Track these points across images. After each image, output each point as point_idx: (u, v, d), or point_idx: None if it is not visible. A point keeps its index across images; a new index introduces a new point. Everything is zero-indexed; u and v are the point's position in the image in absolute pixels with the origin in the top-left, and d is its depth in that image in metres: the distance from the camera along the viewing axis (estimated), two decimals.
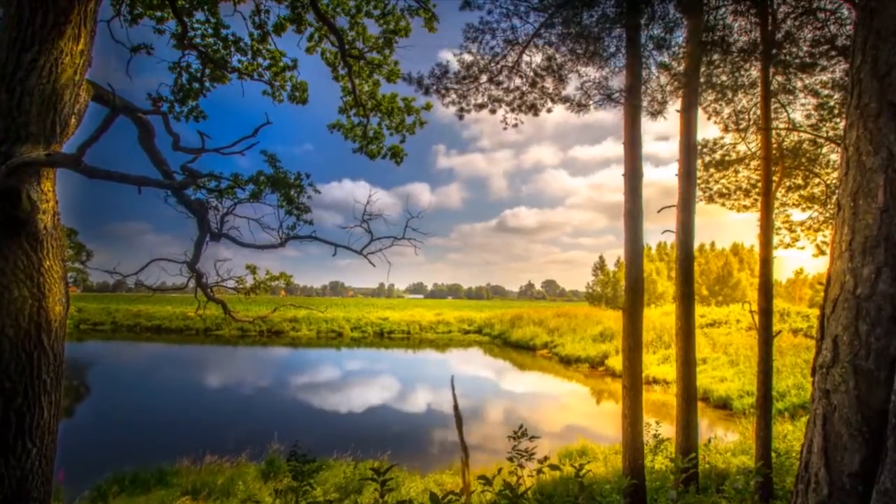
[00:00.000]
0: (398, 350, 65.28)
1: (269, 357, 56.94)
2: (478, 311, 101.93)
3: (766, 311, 15.03)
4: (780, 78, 16.89)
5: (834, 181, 18.18)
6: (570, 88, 16.02)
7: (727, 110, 18.86)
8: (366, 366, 52.63)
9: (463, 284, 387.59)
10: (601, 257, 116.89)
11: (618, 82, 14.84)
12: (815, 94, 17.23)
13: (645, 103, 15.91)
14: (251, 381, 41.99)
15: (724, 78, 17.26)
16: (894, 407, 2.97)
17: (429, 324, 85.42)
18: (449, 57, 15.55)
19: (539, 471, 8.45)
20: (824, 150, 19.06)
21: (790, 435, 22.01)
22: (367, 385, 41.51)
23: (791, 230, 21.33)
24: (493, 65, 15.50)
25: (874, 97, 3.29)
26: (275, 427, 24.87)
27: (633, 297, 13.62)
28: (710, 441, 21.12)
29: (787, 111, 18.07)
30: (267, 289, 14.93)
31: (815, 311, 51.62)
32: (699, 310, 59.09)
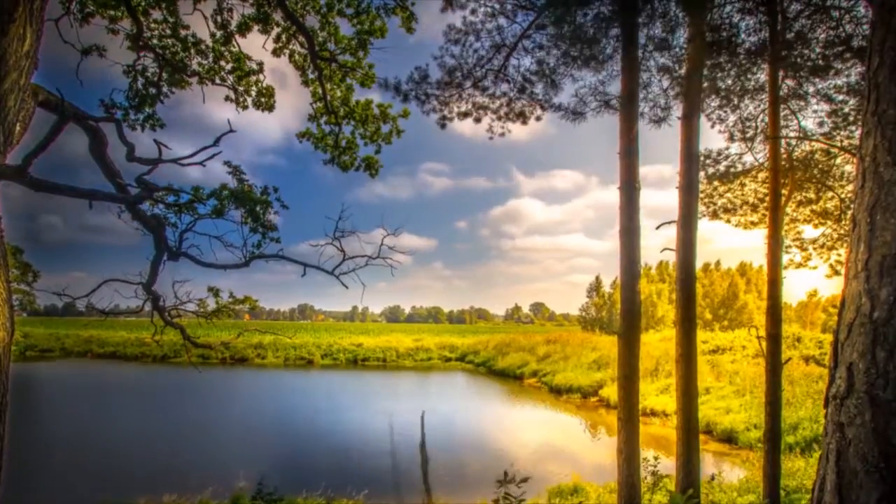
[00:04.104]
0: (372, 379, 64.99)
1: (236, 385, 56.70)
2: (460, 337, 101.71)
3: (774, 337, 15.03)
4: (790, 82, 16.91)
5: (849, 195, 18.17)
6: (564, 96, 16.05)
7: (733, 117, 18.86)
8: (339, 396, 52.37)
9: (444, 307, 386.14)
10: (597, 278, 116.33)
11: (615, 88, 14.84)
12: (829, 99, 17.23)
13: (646, 109, 15.92)
14: (217, 411, 41.75)
15: (729, 82, 17.26)
16: None
17: (406, 350, 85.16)
18: (429, 60, 15.53)
19: None
20: (838, 160, 19.01)
21: (801, 471, 22.02)
22: (341, 416, 41.29)
23: (803, 248, 21.26)
24: (477, 69, 15.49)
25: (893, 103, 3.28)
26: (242, 461, 24.79)
27: (630, 322, 13.60)
28: (713, 478, 21.09)
29: (797, 118, 18.07)
30: (230, 313, 14.84)
31: (829, 337, 51.77)
32: (702, 335, 59.21)
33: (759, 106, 18.11)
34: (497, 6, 14.60)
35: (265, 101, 15.73)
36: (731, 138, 19.47)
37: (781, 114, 16.64)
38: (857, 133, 15.72)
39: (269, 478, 17.62)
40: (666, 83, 15.97)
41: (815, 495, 3.66)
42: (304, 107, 16.50)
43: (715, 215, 21.46)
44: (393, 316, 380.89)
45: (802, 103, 17.75)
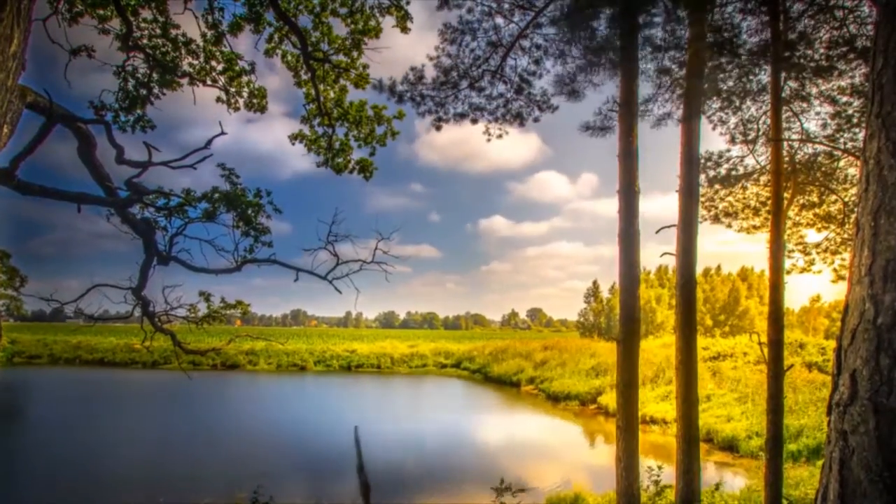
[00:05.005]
0: (365, 387, 64.87)
1: (227, 393, 56.59)
2: (456, 343, 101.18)
3: (776, 343, 15.01)
4: (792, 83, 16.88)
5: (852, 198, 18.11)
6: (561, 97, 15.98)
7: (734, 119, 18.81)
8: (333, 404, 52.31)
9: (439, 313, 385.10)
10: (595, 283, 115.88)
11: (613, 88, 14.84)
12: (832, 101, 17.19)
13: (647, 111, 15.90)
14: (209, 419, 41.66)
15: (730, 83, 17.25)
16: None
17: (401, 357, 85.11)
18: (424, 61, 15.49)
19: None
20: (842, 163, 18.95)
21: (804, 480, 22.01)
22: (337, 422, 41.18)
23: (805, 252, 21.17)
24: (474, 69, 15.46)
25: None
26: (236, 469, 24.80)
27: (629, 328, 13.59)
28: (714, 487, 21.07)
29: (800, 120, 18.03)
30: (221, 318, 14.78)
31: (832, 343, 51.73)
32: (703, 341, 59.05)
33: (760, 108, 18.09)
34: (494, 5, 14.60)
35: (257, 101, 15.65)
36: (733, 140, 19.42)
37: (784, 116, 16.61)
38: (861, 135, 15.69)
39: (263, 486, 17.55)
40: (666, 84, 15.98)
41: None
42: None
43: (716, 219, 21.43)
44: (387, 322, 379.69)
45: (805, 105, 17.73)
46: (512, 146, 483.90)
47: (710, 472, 28.18)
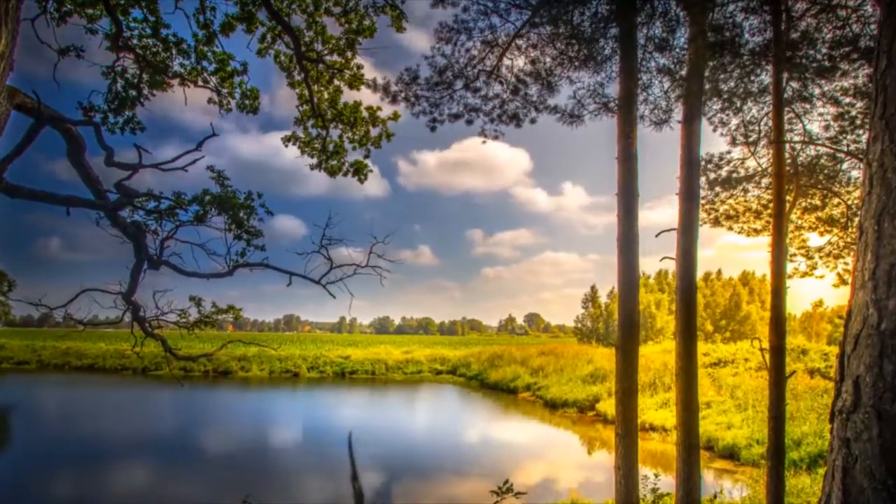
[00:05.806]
0: (360, 394, 64.76)
1: (220, 400, 56.48)
2: (452, 349, 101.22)
3: (777, 349, 14.97)
4: (794, 84, 16.83)
5: (856, 201, 18.07)
6: (560, 97, 15.97)
7: (735, 121, 18.75)
8: (327, 411, 52.23)
9: (435, 318, 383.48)
10: (593, 288, 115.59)
11: (614, 90, 14.81)
12: (835, 102, 17.13)
13: (647, 112, 15.87)
14: (201, 426, 41.60)
15: (731, 84, 17.21)
16: None
17: (396, 363, 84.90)
18: (419, 61, 15.47)
19: None
20: (845, 165, 18.91)
21: (807, 488, 21.98)
22: (333, 431, 41.11)
23: (808, 257, 21.11)
24: (469, 69, 15.42)
25: None
26: (228, 480, 24.74)
27: (628, 333, 13.55)
28: (715, 496, 21.04)
29: (802, 122, 17.98)
30: (213, 323, 14.76)
31: (834, 349, 51.65)
32: (703, 347, 58.98)
33: (762, 109, 18.02)
34: (490, 4, 14.57)
35: (250, 102, 15.59)
36: (734, 142, 19.34)
37: (786, 117, 16.55)
38: (865, 137, 15.66)
39: (254, 496, 17.54)
40: (667, 85, 15.97)
41: None
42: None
43: (716, 222, 21.37)
44: (382, 327, 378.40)
45: (807, 106, 17.67)
46: (510, 154, 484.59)
47: (710, 480, 28.18)
